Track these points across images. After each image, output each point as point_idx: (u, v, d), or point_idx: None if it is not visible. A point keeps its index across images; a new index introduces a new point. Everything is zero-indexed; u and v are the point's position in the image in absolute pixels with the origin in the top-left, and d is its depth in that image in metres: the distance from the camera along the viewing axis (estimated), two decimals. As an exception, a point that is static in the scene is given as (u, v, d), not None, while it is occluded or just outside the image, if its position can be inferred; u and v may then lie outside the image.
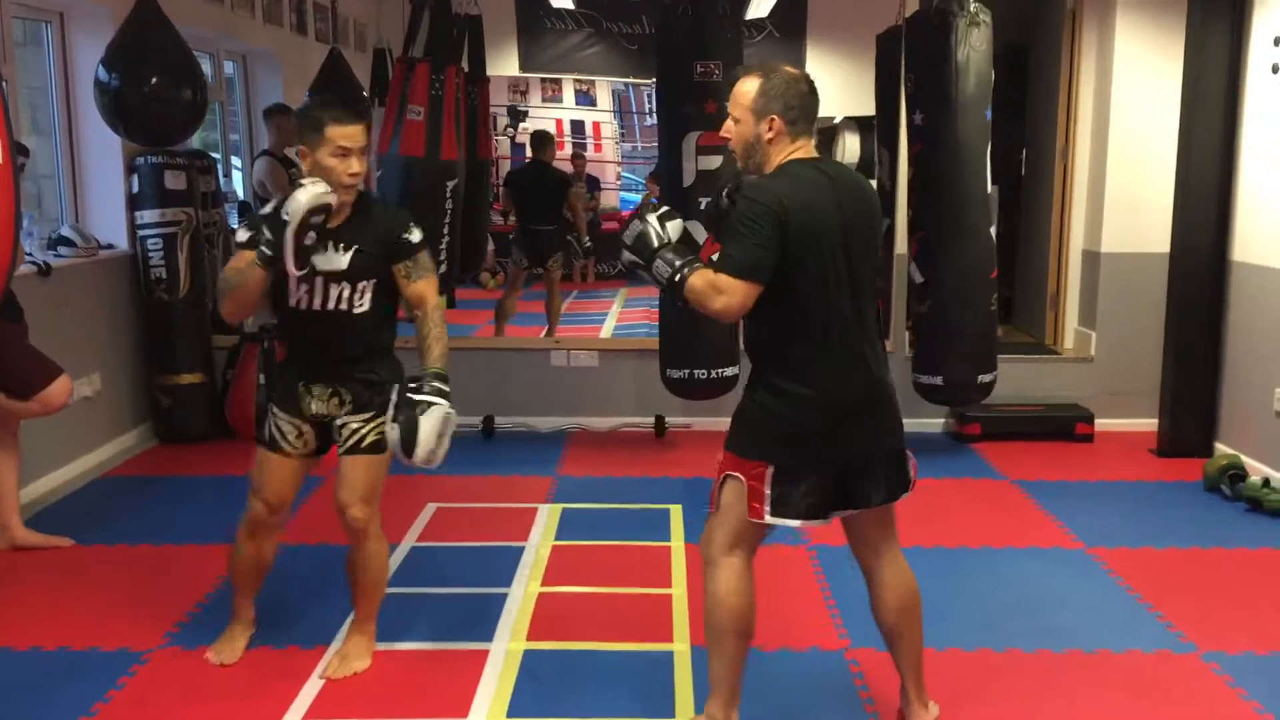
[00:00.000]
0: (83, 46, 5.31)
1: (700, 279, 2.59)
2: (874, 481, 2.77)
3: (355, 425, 3.11)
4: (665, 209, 2.77)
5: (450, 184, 5.38)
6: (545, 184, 7.82)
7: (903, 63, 5.45)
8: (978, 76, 5.02)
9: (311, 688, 3.13)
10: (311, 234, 2.90)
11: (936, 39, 5.01)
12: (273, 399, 3.20)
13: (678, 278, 2.63)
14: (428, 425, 2.90)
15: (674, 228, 2.71)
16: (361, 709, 3.03)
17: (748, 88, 2.66)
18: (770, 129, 2.64)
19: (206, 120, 7.46)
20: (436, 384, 2.98)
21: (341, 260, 3.02)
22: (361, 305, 3.07)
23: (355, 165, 2.95)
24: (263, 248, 2.90)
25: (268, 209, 2.97)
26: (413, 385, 2.97)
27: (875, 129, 6.14)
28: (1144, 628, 3.58)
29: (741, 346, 2.80)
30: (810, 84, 2.69)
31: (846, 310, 2.64)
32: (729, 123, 2.71)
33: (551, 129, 14.83)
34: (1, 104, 3.53)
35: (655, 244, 2.69)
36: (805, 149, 2.67)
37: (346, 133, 2.93)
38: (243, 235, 3.02)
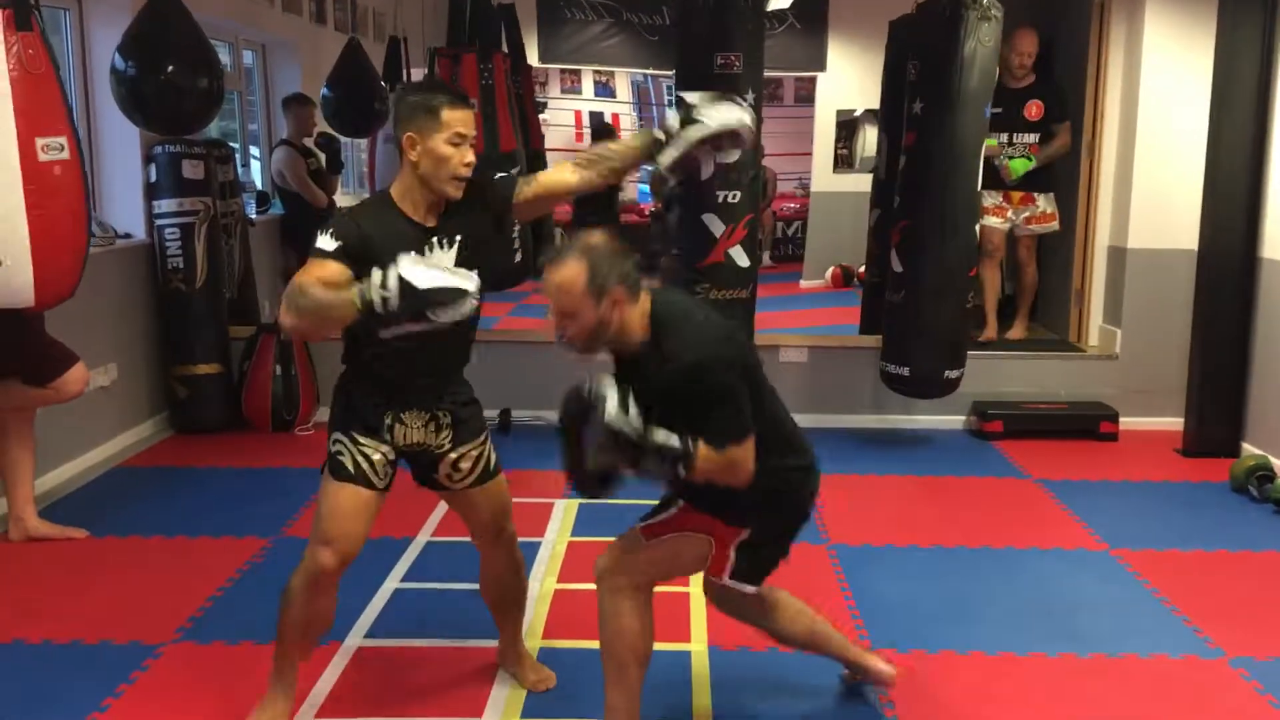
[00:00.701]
0: (101, 34, 5.29)
1: (709, 462, 2.47)
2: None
3: (474, 454, 2.85)
4: (603, 396, 2.43)
5: (514, 173, 5.37)
6: None
7: (909, 50, 5.38)
8: (982, 72, 4.95)
9: (325, 684, 3.10)
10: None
11: (945, 29, 4.94)
12: (348, 427, 2.71)
13: (682, 471, 2.46)
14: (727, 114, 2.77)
15: (633, 415, 2.42)
16: (375, 707, 3.00)
17: (572, 275, 2.45)
18: (614, 306, 2.48)
19: (225, 109, 7.46)
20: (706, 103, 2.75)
21: (449, 260, 2.63)
22: (461, 328, 2.59)
23: (470, 154, 2.61)
24: (379, 293, 2.33)
25: (407, 271, 2.32)
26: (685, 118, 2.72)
27: (878, 116, 6.11)
28: (1170, 632, 3.51)
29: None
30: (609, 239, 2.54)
31: (776, 397, 2.73)
32: (560, 320, 2.50)
33: (570, 121, 14.83)
34: (65, 102, 3.59)
35: (634, 438, 2.41)
36: (643, 294, 2.54)
37: (463, 118, 2.60)
38: (329, 242, 2.51)
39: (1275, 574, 4.00)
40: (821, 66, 10.30)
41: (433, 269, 2.38)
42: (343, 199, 8.30)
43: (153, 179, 5.42)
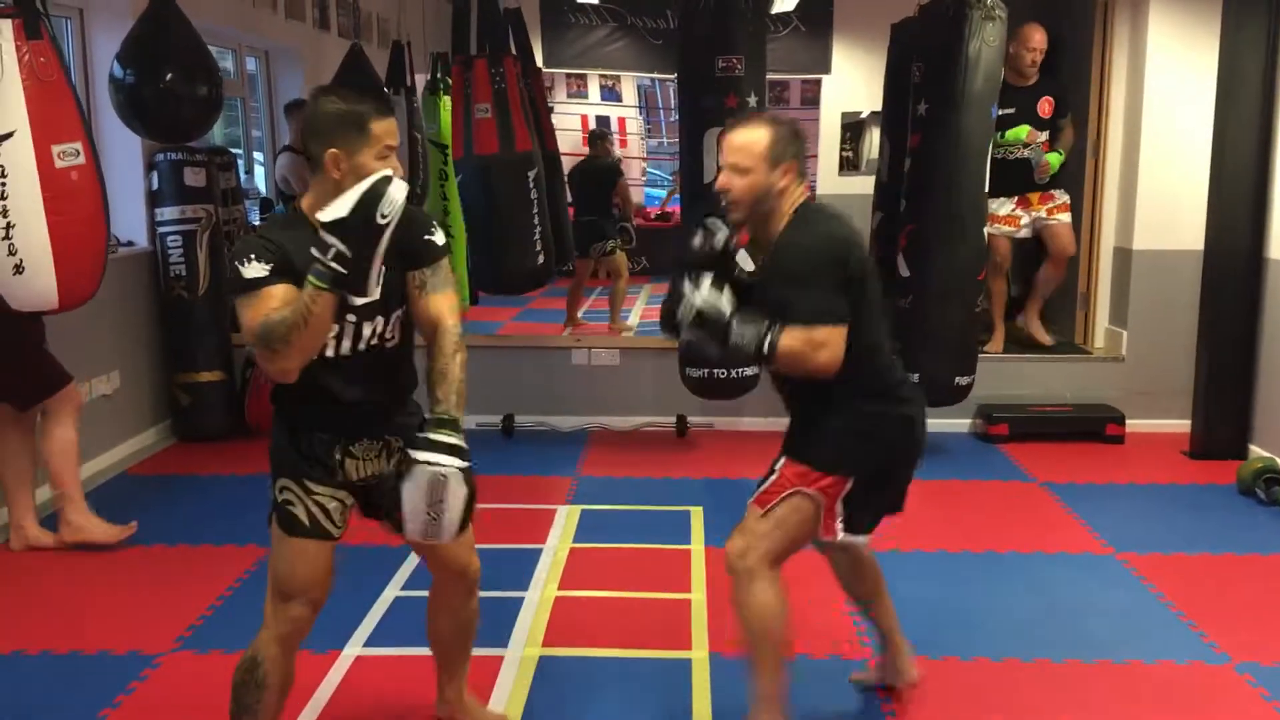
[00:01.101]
0: (102, 42, 5.29)
1: (794, 339, 2.51)
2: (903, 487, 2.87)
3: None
4: (699, 275, 2.59)
5: (531, 174, 5.41)
6: (594, 175, 8.24)
7: (912, 52, 5.35)
8: (987, 72, 4.91)
9: (324, 692, 3.08)
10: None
11: (949, 29, 4.91)
12: (294, 474, 2.46)
13: (766, 345, 2.51)
14: (454, 500, 2.29)
15: (726, 298, 2.57)
16: (374, 715, 2.98)
17: (757, 136, 2.60)
18: (784, 177, 2.60)
19: (228, 116, 7.47)
20: (441, 436, 2.30)
21: (375, 289, 2.29)
22: (393, 337, 2.46)
23: (398, 165, 2.35)
24: (333, 264, 2.17)
25: (332, 217, 2.18)
26: (422, 435, 2.33)
27: (880, 119, 6.08)
28: (1176, 638, 3.48)
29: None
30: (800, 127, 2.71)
31: (886, 334, 2.76)
32: (729, 175, 2.60)
33: (577, 125, 14.83)
34: (78, 107, 3.62)
35: (725, 316, 2.54)
36: (805, 189, 2.67)
37: (389, 128, 2.34)
38: (256, 269, 2.26)
39: (1282, 578, 3.97)
40: (826, 69, 10.30)
41: (399, 189, 2.20)
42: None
43: (155, 187, 5.42)
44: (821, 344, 2.51)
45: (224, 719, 2.92)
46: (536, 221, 5.42)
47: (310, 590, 2.49)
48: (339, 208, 2.18)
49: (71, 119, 3.64)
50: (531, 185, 5.38)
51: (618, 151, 12.98)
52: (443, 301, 2.44)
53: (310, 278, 2.19)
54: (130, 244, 5.44)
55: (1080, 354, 6.21)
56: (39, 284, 3.61)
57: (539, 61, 9.97)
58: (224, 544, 4.17)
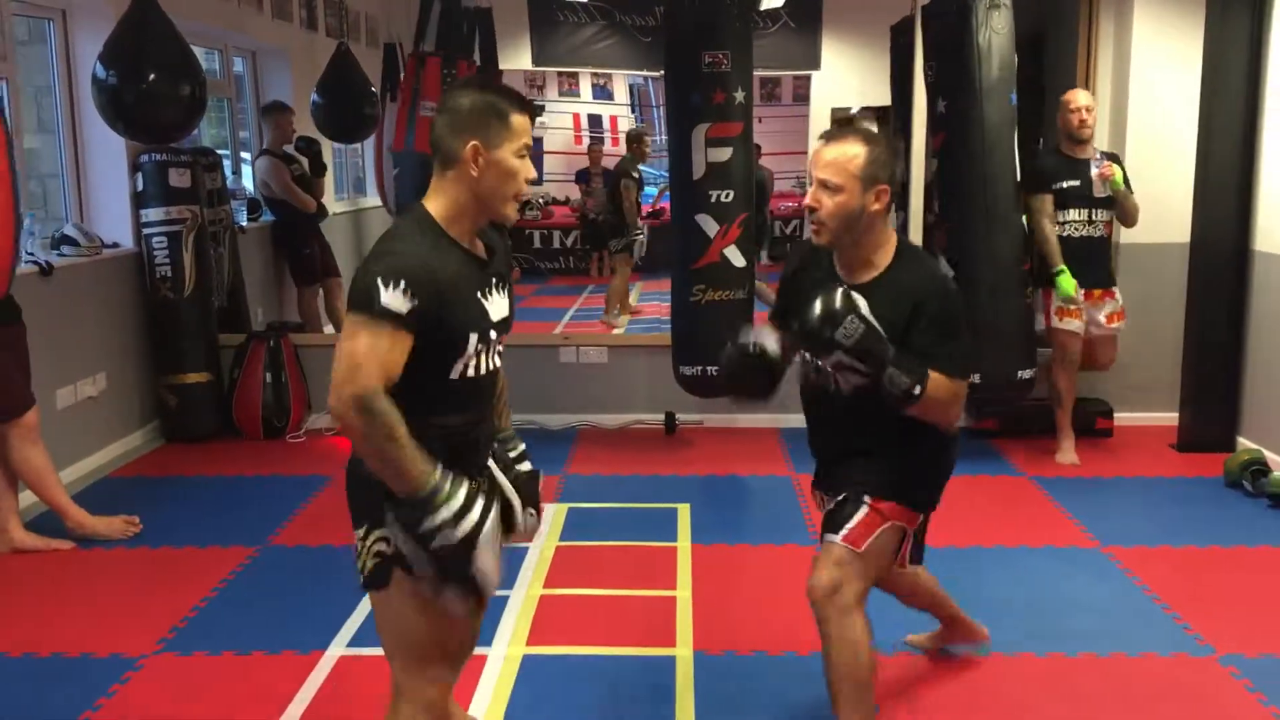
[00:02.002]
0: (85, 43, 5.28)
1: (941, 390, 2.46)
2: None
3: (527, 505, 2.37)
4: (851, 294, 2.44)
5: None
6: (609, 176, 8.50)
7: (919, 51, 5.35)
8: (1000, 60, 4.91)
9: (306, 693, 3.08)
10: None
11: (956, 24, 4.90)
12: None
13: (917, 391, 2.44)
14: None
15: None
16: (353, 716, 2.98)
17: (854, 152, 2.47)
18: (878, 201, 2.49)
19: (216, 117, 7.46)
20: (523, 445, 2.36)
21: (505, 303, 2.22)
22: (500, 356, 2.28)
23: (532, 170, 2.18)
24: (446, 515, 2.00)
25: (482, 549, 2.03)
26: (513, 456, 2.34)
27: (891, 120, 6.05)
28: (1161, 630, 3.47)
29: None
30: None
31: None
32: (820, 191, 2.48)
33: (569, 123, 14.82)
34: None
35: (887, 351, 2.42)
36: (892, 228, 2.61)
37: (529, 126, 2.16)
38: (399, 301, 1.98)
39: (1267, 570, 3.96)
40: (816, 65, 10.30)
41: (492, 546, 2.06)
42: (336, 206, 8.30)
43: (139, 188, 5.41)
44: (959, 399, 2.51)
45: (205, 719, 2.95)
46: None
47: (466, 649, 2.25)
48: (485, 554, 2.03)
49: None
50: None
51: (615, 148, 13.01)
52: None
53: (434, 482, 1.99)
54: (115, 245, 5.43)
55: (1069, 348, 6.19)
56: None
57: (529, 60, 10.00)
58: (209, 546, 4.16)
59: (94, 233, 5.28)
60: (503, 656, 3.28)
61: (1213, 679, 3.18)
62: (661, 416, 5.78)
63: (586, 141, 14.15)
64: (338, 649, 3.33)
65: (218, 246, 5.98)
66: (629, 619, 3.56)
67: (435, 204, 2.14)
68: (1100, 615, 3.59)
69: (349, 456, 2.15)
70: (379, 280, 1.97)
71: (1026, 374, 5.13)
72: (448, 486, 2.01)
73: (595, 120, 15.14)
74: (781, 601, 3.67)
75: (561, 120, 14.81)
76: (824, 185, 2.47)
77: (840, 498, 2.65)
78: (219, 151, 6.75)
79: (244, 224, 6.89)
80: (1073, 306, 5.08)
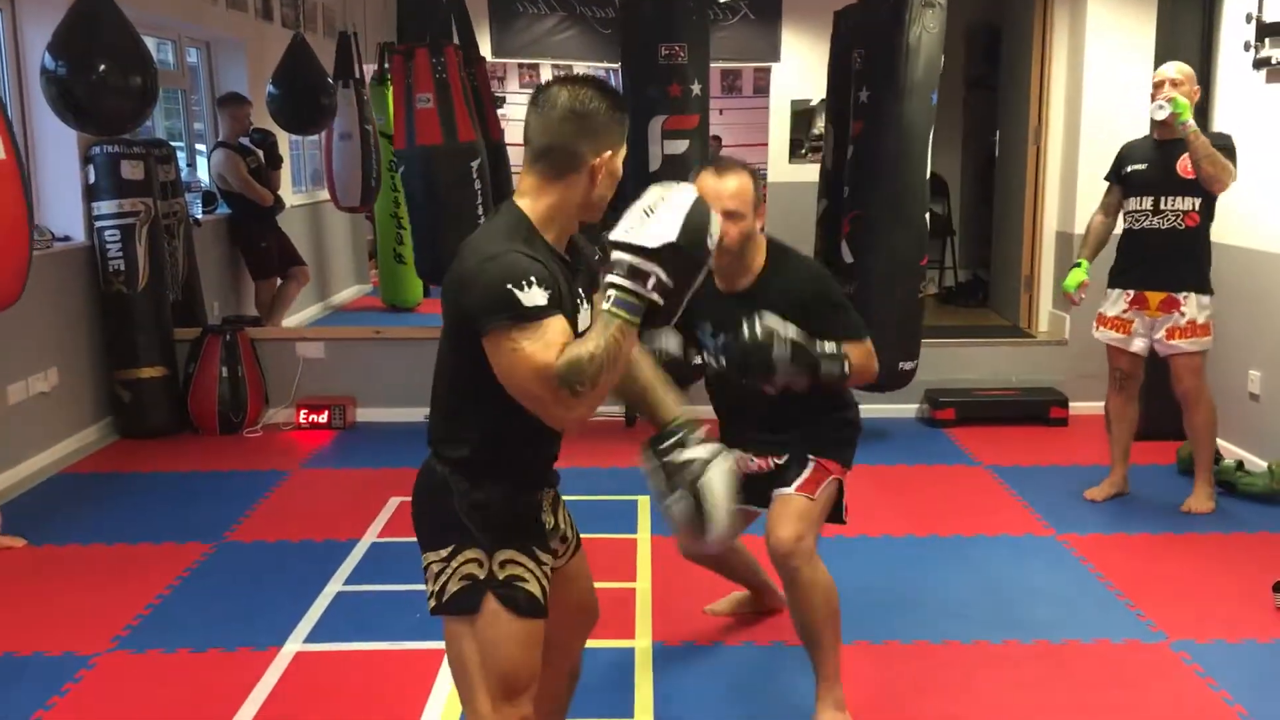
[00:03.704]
0: (33, 34, 5.18)
1: (859, 356, 2.80)
2: None
3: (566, 515, 2.31)
4: (764, 318, 2.68)
5: (474, 164, 5.41)
6: None
7: (853, 39, 5.37)
8: (927, 59, 4.95)
9: (262, 690, 3.05)
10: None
11: (889, 16, 4.93)
12: (514, 544, 2.03)
13: (846, 370, 2.77)
14: (718, 486, 2.06)
15: (793, 328, 2.71)
16: (309, 713, 2.96)
17: (746, 184, 2.75)
18: (760, 218, 2.81)
19: (170, 108, 7.36)
20: (695, 432, 2.11)
21: (586, 308, 2.07)
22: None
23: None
24: (653, 295, 1.84)
25: (631, 236, 1.85)
26: (668, 444, 2.10)
27: (825, 107, 6.08)
28: (1114, 617, 3.52)
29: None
30: None
31: None
32: (726, 222, 2.56)
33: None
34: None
35: (816, 354, 2.72)
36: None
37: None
38: (539, 298, 1.84)
39: (1218, 556, 4.02)
40: (776, 57, 10.31)
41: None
42: (294, 199, 8.22)
43: (91, 180, 5.33)
44: (873, 353, 2.84)
45: (158, 717, 2.92)
46: (480, 212, 5.41)
47: (535, 678, 2.08)
48: (658, 229, 1.84)
49: None
50: (475, 176, 5.38)
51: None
52: None
53: (616, 310, 1.83)
54: (67, 239, 5.35)
55: (1024, 338, 6.27)
56: None
57: (488, 51, 9.94)
58: (163, 542, 4.12)
59: (44, 226, 5.19)
60: (461, 650, 3.27)
61: (1164, 664, 3.22)
62: (621, 409, 5.77)
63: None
64: (294, 645, 3.31)
65: (172, 239, 5.90)
66: (588, 611, 3.56)
67: (535, 204, 1.98)
68: (1055, 602, 3.64)
69: (418, 476, 2.07)
70: (509, 286, 1.83)
71: (908, 365, 5.26)
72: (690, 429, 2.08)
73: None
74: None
75: (522, 112, 14.71)
76: (729, 215, 2.67)
77: (784, 459, 2.93)
78: (173, 143, 6.66)
79: (199, 217, 6.80)
80: (1116, 316, 4.46)
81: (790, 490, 2.86)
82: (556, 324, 1.86)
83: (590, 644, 3.27)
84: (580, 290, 2.03)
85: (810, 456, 2.91)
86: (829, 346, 2.74)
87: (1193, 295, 4.29)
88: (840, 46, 5.80)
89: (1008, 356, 5.96)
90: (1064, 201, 6.06)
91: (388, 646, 3.31)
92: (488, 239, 1.95)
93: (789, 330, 2.67)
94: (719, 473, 2.07)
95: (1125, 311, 4.43)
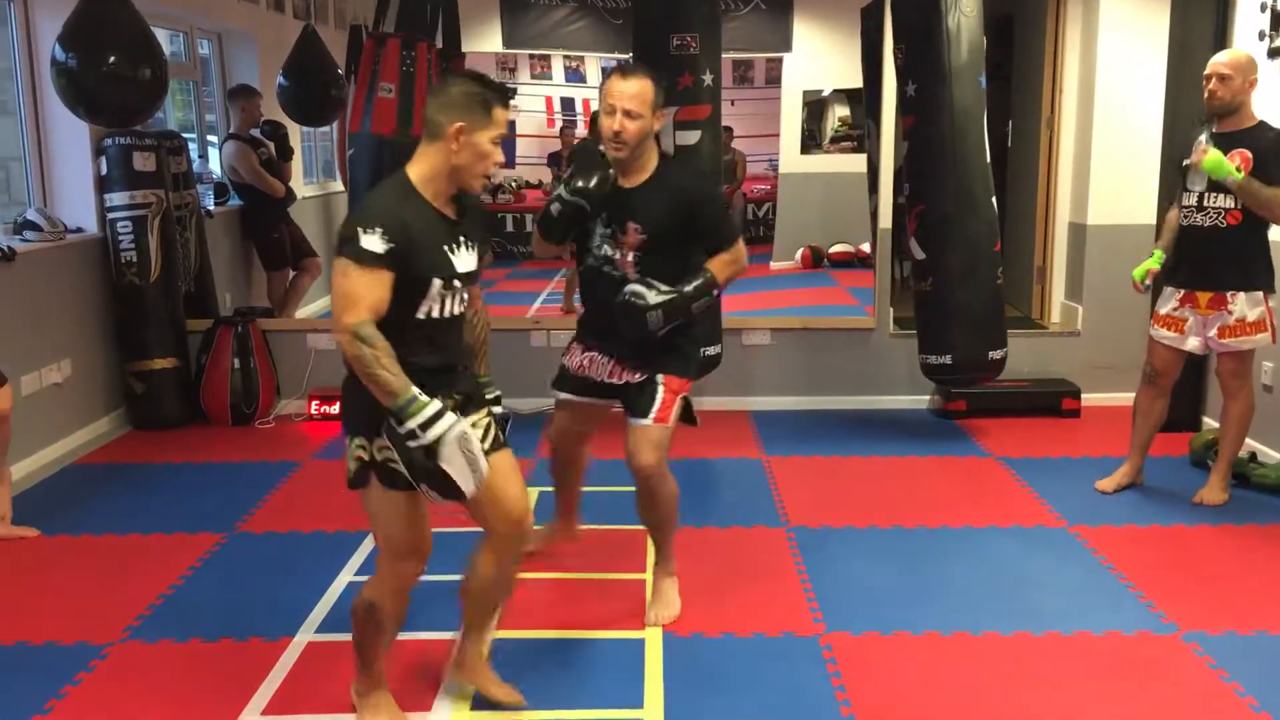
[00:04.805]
0: (45, 25, 5.19)
1: (721, 270, 3.25)
2: None
3: (483, 422, 2.73)
4: (639, 288, 3.19)
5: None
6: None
7: (889, 33, 5.35)
8: (970, 43, 4.93)
9: (273, 681, 3.06)
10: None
11: (925, 6, 4.91)
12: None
13: (716, 293, 3.27)
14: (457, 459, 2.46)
15: (659, 290, 3.18)
16: (321, 703, 2.96)
17: (648, 87, 3.15)
18: (658, 122, 3.20)
19: (182, 100, 7.38)
20: (497, 392, 2.97)
21: (473, 260, 2.66)
22: (465, 306, 2.70)
23: (500, 155, 2.59)
24: (417, 424, 2.41)
25: (450, 441, 2.42)
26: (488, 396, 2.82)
27: (863, 103, 6.05)
28: (1125, 608, 3.51)
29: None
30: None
31: None
32: (623, 119, 3.12)
33: (541, 106, 14.73)
34: None
35: (686, 301, 3.18)
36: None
37: (506, 118, 2.57)
38: (376, 243, 2.42)
39: (1230, 548, 4.00)
40: (788, 47, 10.27)
41: (468, 454, 2.45)
42: (306, 190, 8.23)
43: (103, 172, 5.35)
44: (743, 254, 3.29)
45: (170, 707, 2.94)
46: None
47: (421, 547, 2.70)
48: (451, 455, 2.43)
49: None
50: None
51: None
52: (477, 285, 2.87)
53: (411, 401, 2.42)
54: (79, 230, 5.37)
55: (1037, 329, 6.25)
56: None
57: (499, 42, 9.92)
58: (175, 533, 4.13)
59: (57, 217, 5.21)
60: (471, 641, 3.27)
61: (1175, 656, 3.21)
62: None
63: (559, 125, 14.07)
64: (306, 635, 3.32)
65: (184, 231, 5.91)
66: (598, 602, 3.56)
67: (415, 168, 2.58)
68: (1066, 594, 3.63)
69: (344, 375, 2.58)
70: (359, 228, 2.44)
71: (998, 354, 5.17)
72: (420, 400, 2.43)
73: (568, 103, 15.03)
74: (749, 583, 3.69)
75: (534, 103, 14.71)
76: (628, 114, 3.12)
77: (639, 380, 3.32)
78: (185, 135, 6.68)
79: (211, 208, 6.82)
80: (1169, 312, 4.35)
81: (648, 422, 3.28)
82: (380, 277, 2.43)
83: (599, 634, 3.32)
84: (463, 237, 2.62)
85: (660, 379, 3.29)
86: (697, 282, 3.18)
87: (1240, 294, 4.18)
88: (870, 41, 5.77)
89: (1020, 347, 5.92)
90: (1077, 192, 6.03)
91: (401, 636, 3.29)
92: (373, 192, 2.65)
93: (655, 296, 3.14)
94: (452, 445, 2.44)
95: (1177, 309, 4.34)
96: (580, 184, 3.18)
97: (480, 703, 2.95)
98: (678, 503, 3.45)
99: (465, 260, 2.61)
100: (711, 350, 5.20)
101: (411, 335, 2.53)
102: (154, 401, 5.50)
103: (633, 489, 4.59)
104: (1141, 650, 3.24)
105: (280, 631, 3.33)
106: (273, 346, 5.76)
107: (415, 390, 2.44)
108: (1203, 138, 4.16)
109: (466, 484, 2.46)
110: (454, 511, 2.69)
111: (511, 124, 8.37)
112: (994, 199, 5.12)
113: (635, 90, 3.13)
